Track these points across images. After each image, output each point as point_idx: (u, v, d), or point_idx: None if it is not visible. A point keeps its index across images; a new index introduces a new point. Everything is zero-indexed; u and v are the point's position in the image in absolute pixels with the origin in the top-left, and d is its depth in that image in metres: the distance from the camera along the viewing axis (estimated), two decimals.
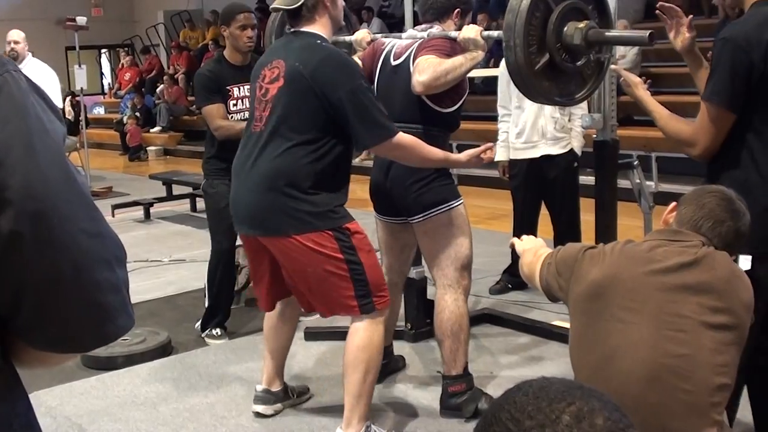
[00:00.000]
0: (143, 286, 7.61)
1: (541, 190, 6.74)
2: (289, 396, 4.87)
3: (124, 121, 20.58)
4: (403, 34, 4.79)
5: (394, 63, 4.68)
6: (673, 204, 3.06)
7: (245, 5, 6.11)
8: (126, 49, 26.34)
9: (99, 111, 25.78)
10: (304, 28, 4.22)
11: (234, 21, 5.88)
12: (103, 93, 28.07)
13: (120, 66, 25.83)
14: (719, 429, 2.73)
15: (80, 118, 15.09)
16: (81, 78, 14.38)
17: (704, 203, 2.93)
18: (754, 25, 3.41)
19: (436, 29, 4.62)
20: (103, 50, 28.86)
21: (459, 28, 4.64)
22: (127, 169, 18.21)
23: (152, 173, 13.86)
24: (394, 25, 18.33)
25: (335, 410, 4.55)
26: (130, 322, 1.38)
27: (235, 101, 5.87)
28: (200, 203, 8.43)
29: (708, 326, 2.71)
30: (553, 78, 4.12)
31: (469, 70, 4.40)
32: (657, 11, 3.87)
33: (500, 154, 6.84)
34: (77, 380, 5.28)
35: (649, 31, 3.84)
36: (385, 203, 4.78)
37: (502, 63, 6.72)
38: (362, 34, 4.96)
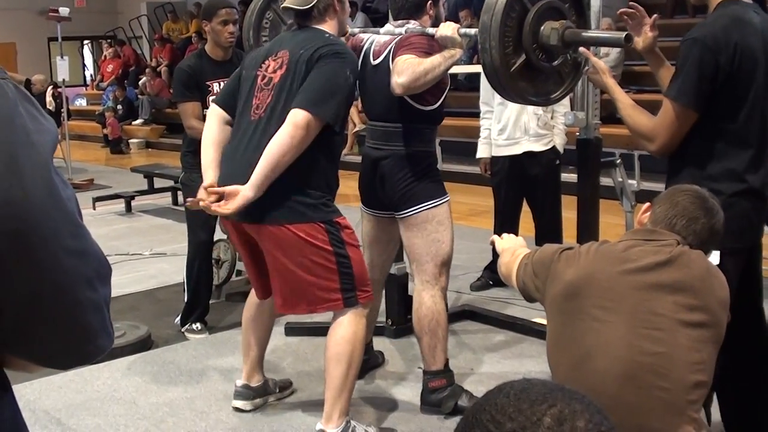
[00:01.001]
0: (124, 279, 7.59)
1: (523, 187, 6.74)
2: (271, 390, 4.87)
3: (99, 112, 20.62)
4: (381, 30, 4.78)
5: (373, 62, 4.68)
6: (647, 204, 3.09)
7: (227, 0, 6.10)
8: (109, 40, 26.25)
9: (81, 103, 25.70)
10: (313, 26, 4.26)
11: (216, 16, 5.88)
12: (85, 84, 27.97)
13: (103, 57, 25.74)
14: (696, 427, 2.75)
15: (62, 110, 15.06)
16: (63, 69, 14.34)
17: (678, 201, 2.96)
18: (722, 26, 3.45)
19: (412, 24, 4.62)
20: (85, 41, 28.74)
21: (436, 19, 4.68)
22: (109, 162, 18.17)
23: (134, 166, 13.84)
24: (378, 20, 18.29)
25: (315, 406, 4.55)
26: (109, 342, 1.36)
27: (214, 97, 5.84)
28: (181, 197, 8.42)
29: (684, 324, 2.73)
30: (529, 78, 4.11)
31: (448, 69, 4.37)
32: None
33: (482, 151, 6.85)
34: (56, 374, 5.25)
35: (626, 33, 3.83)
36: (374, 197, 4.79)
37: None
38: None
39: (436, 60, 4.29)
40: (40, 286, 1.23)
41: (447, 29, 4.37)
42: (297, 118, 3.95)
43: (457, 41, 4.34)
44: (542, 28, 3.98)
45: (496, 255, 6.82)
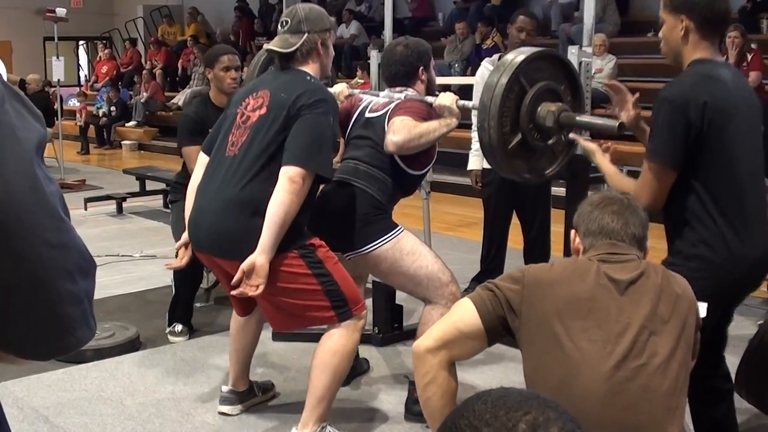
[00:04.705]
0: (113, 280, 7.63)
1: (513, 199, 6.78)
2: (254, 394, 4.91)
3: (95, 113, 20.67)
4: (381, 93, 4.89)
5: (368, 115, 4.76)
6: (573, 232, 3.12)
7: (228, 47, 6.26)
8: (104, 42, 26.24)
9: (75, 103, 25.67)
10: (295, 67, 4.32)
11: (217, 63, 6.02)
12: (79, 85, 27.91)
13: (97, 59, 25.72)
14: None
15: (55, 109, 15.08)
16: (58, 69, 14.35)
17: (604, 210, 3.03)
18: (690, 84, 3.56)
19: (411, 92, 4.74)
20: (81, 42, 28.72)
21: (428, 82, 4.83)
22: (101, 163, 18.17)
23: (126, 168, 13.84)
24: (372, 28, 18.36)
25: (299, 410, 4.57)
26: (89, 334, 1.37)
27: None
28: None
29: (658, 333, 2.77)
30: (525, 156, 4.29)
31: (443, 136, 4.47)
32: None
33: (473, 163, 6.89)
34: (45, 372, 5.29)
35: (619, 122, 3.97)
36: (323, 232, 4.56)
37: (479, 72, 6.78)
38: (341, 88, 5.03)
39: (432, 125, 4.39)
40: (18, 277, 1.24)
41: (446, 99, 4.49)
42: (292, 174, 3.97)
43: (454, 111, 4.46)
44: (539, 109, 4.14)
45: (484, 266, 6.88)
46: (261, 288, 3.95)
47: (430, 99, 4.60)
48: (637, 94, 3.97)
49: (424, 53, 4.86)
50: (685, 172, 3.56)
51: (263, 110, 4.20)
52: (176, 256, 6.15)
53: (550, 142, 4.24)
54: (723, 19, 3.72)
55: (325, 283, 4.13)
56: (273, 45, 4.37)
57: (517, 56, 4.16)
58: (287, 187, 3.96)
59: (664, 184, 3.57)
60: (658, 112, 3.56)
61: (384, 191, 4.59)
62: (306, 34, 4.28)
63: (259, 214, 4.00)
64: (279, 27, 4.41)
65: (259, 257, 3.93)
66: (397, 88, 4.80)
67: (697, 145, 3.50)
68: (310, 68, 4.33)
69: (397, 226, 4.62)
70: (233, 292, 4.06)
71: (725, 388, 3.80)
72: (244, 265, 3.94)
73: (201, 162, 4.51)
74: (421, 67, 4.81)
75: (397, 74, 4.81)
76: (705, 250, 3.52)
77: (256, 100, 4.27)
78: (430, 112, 4.53)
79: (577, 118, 4.17)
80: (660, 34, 3.79)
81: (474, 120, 6.81)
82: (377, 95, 4.89)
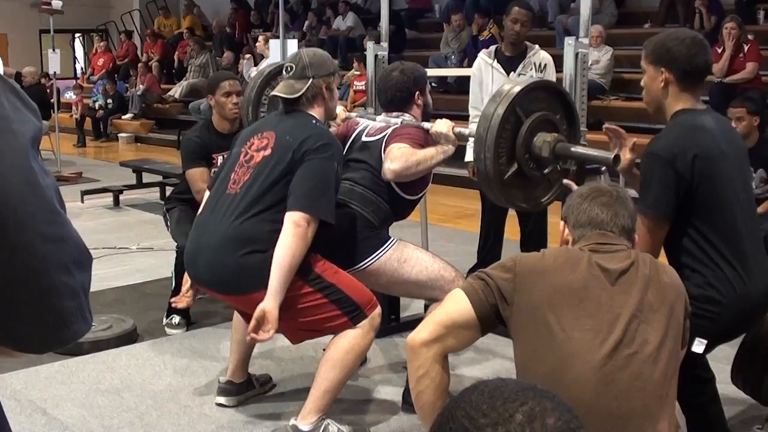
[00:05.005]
0: (110, 273, 7.63)
1: None
2: (252, 386, 4.92)
3: (91, 105, 20.64)
4: (378, 117, 4.91)
5: (365, 139, 4.77)
6: (562, 223, 3.14)
7: (230, 73, 6.31)
8: (100, 34, 26.18)
9: (71, 96, 25.62)
10: (300, 110, 4.35)
11: (219, 89, 6.08)
12: (75, 77, 27.87)
13: (94, 51, 25.66)
14: (671, 424, 2.82)
15: (51, 101, 15.05)
16: (55, 62, 14.32)
17: (593, 202, 3.04)
18: (676, 138, 3.61)
19: (408, 117, 4.77)
20: (77, 34, 28.68)
21: (425, 106, 4.87)
22: (98, 155, 18.13)
23: (122, 160, 13.82)
24: (369, 20, 18.31)
25: (297, 401, 4.58)
26: (86, 326, 1.37)
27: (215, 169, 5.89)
28: (170, 192, 8.44)
29: (648, 322, 2.79)
30: (521, 186, 4.31)
31: (440, 163, 4.50)
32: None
33: (471, 155, 6.88)
34: (42, 364, 5.30)
35: (615, 154, 4.00)
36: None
37: (476, 64, 6.78)
38: (338, 111, 5.02)
39: (429, 152, 4.43)
40: (14, 270, 1.23)
41: (442, 126, 4.53)
42: (297, 219, 4.00)
43: (451, 138, 4.50)
44: (535, 139, 4.19)
45: (480, 258, 6.88)
46: (272, 333, 3.98)
47: (426, 125, 4.64)
48: (635, 139, 4.01)
49: (419, 78, 4.89)
50: (681, 219, 3.60)
51: (267, 151, 4.22)
52: (177, 288, 6.19)
53: (546, 171, 4.27)
54: (703, 72, 3.76)
55: (330, 294, 4.15)
56: (278, 91, 4.39)
57: (513, 87, 4.18)
58: (293, 231, 3.99)
59: (658, 237, 3.61)
60: (647, 167, 3.62)
61: (378, 214, 4.62)
62: (311, 80, 4.32)
63: (256, 251, 4.04)
64: (283, 72, 4.44)
65: (269, 303, 3.94)
66: (394, 113, 4.83)
67: (688, 195, 3.55)
68: (316, 112, 4.36)
69: (390, 238, 4.64)
70: (247, 339, 4.10)
71: (707, 376, 3.83)
72: (256, 314, 3.95)
73: (205, 199, 4.55)
74: (417, 92, 4.85)
75: (393, 100, 4.84)
76: (712, 292, 3.55)
77: (261, 140, 4.30)
78: (426, 138, 4.58)
79: (572, 148, 4.21)
80: (641, 83, 3.84)
81: (471, 112, 6.83)
82: (374, 119, 4.92)
